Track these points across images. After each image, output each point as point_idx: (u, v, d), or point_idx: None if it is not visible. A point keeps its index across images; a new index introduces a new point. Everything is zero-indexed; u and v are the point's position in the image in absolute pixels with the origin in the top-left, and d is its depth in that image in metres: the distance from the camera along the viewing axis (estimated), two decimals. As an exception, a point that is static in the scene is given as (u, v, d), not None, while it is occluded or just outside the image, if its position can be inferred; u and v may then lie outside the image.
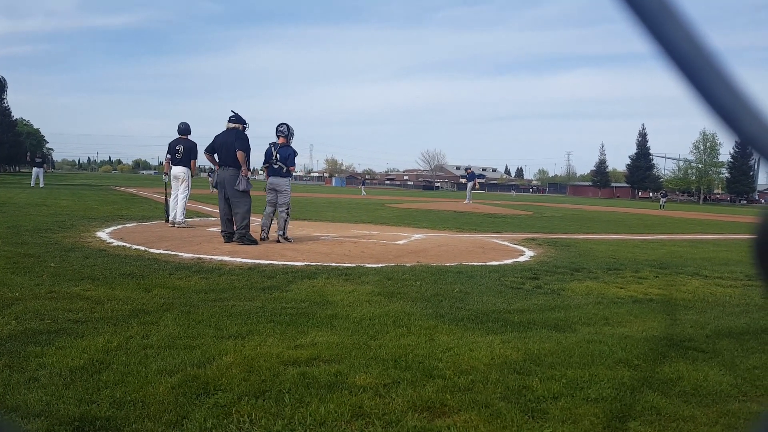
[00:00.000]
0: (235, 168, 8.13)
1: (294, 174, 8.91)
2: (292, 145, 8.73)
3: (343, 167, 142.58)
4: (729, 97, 0.33)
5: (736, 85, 0.33)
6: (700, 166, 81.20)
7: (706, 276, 7.18)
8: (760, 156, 0.33)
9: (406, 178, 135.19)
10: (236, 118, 8.42)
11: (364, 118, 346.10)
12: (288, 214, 8.52)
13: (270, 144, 8.53)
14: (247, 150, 8.22)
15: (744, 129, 0.33)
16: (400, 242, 9.36)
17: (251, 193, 8.31)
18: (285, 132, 8.55)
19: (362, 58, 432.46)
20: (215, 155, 8.34)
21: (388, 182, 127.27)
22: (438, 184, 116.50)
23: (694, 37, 0.33)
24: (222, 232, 8.30)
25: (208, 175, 38.28)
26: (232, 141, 8.16)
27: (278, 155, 8.40)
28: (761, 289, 6.24)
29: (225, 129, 8.39)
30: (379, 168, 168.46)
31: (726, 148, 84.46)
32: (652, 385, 3.08)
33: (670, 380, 3.17)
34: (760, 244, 0.32)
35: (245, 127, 8.44)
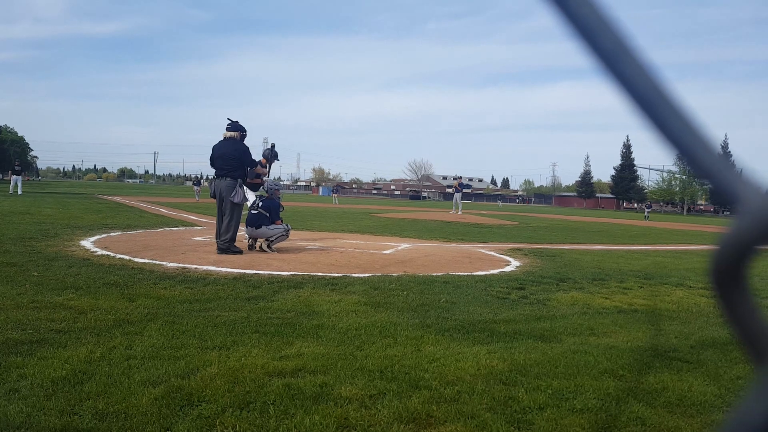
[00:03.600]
0: (232, 179, 8.11)
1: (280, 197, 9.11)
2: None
3: (331, 176, 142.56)
4: (683, 131, 0.34)
5: (689, 118, 0.34)
6: (684, 177, 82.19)
7: (691, 286, 7.26)
8: (717, 189, 0.34)
9: (393, 187, 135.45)
10: (234, 126, 8.34)
11: (352, 127, 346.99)
12: (285, 236, 8.56)
13: (257, 196, 8.77)
14: (254, 164, 8.42)
15: (698, 161, 0.34)
16: (387, 252, 9.36)
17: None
18: (272, 190, 8.81)
19: (351, 69, 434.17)
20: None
21: (375, 191, 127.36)
22: (425, 194, 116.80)
23: (647, 71, 0.34)
24: (216, 240, 8.26)
25: (193, 184, 38.03)
26: (231, 152, 8.16)
27: (260, 203, 8.52)
28: (712, 299, 6.32)
29: (222, 138, 8.33)
30: (366, 177, 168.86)
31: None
32: (637, 396, 3.10)
33: (655, 390, 3.19)
34: (720, 258, 0.33)
35: (244, 135, 8.40)
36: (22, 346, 3.37)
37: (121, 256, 7.23)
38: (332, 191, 53.75)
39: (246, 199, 8.26)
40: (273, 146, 10.01)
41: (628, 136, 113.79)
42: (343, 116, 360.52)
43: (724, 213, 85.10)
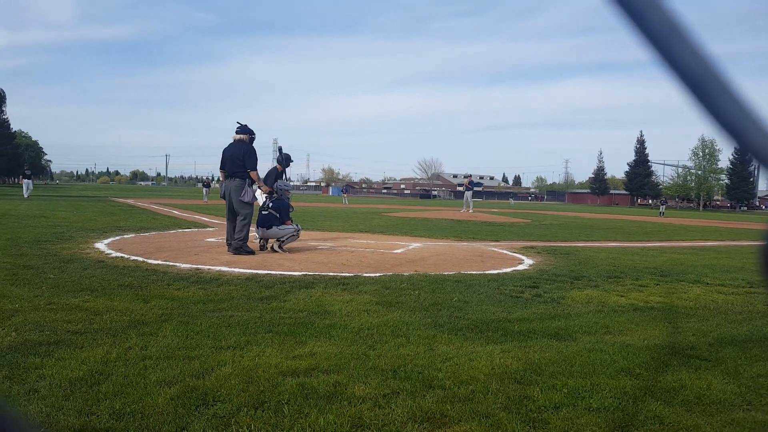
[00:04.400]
0: (241, 179, 8.22)
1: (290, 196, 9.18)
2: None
3: (340, 176, 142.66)
4: (736, 111, 0.33)
5: (742, 98, 0.33)
6: (699, 172, 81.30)
7: (708, 283, 7.17)
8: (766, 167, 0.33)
9: (402, 186, 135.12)
10: (243, 129, 8.50)
11: (361, 127, 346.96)
12: (295, 236, 8.56)
13: (266, 196, 8.79)
14: (255, 167, 8.42)
15: (750, 141, 0.33)
16: (398, 251, 9.35)
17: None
18: (281, 191, 8.81)
19: (358, 68, 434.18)
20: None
21: (384, 191, 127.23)
22: (435, 193, 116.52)
23: (699, 52, 0.33)
24: (228, 241, 8.34)
25: (203, 185, 38.41)
26: (239, 153, 8.26)
27: (270, 204, 8.57)
28: (765, 296, 6.23)
29: (232, 141, 8.46)
30: (376, 177, 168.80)
31: (725, 155, 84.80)
32: (655, 394, 3.06)
33: (673, 389, 3.16)
34: None
35: (252, 138, 8.52)
36: (40, 347, 3.40)
37: (135, 257, 7.28)
38: (342, 191, 53.99)
39: (255, 199, 8.32)
40: (280, 149, 10.03)
41: (641, 132, 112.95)
42: (351, 116, 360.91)
43: (741, 208, 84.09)
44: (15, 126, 77.91)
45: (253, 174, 8.26)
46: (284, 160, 9.87)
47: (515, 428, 2.55)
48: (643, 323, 4.77)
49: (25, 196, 27.42)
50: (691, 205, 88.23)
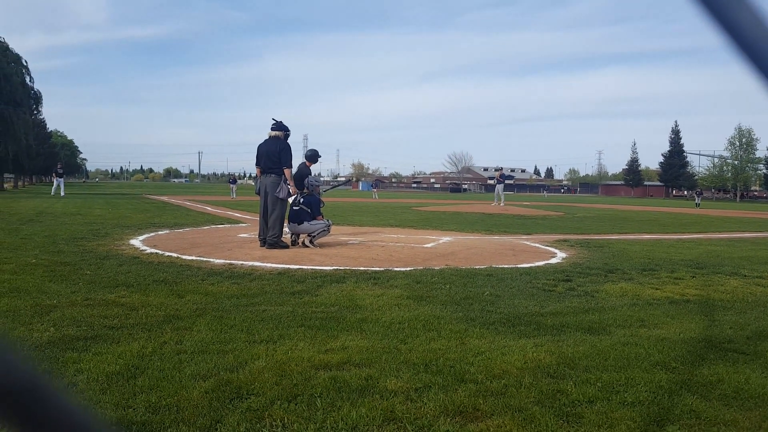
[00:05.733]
0: (276, 175, 8.32)
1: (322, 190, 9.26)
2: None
3: (370, 171, 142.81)
4: None
5: None
6: (736, 162, 78.76)
7: (746, 275, 6.97)
8: None
9: (432, 180, 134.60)
10: (278, 126, 8.59)
11: (390, 122, 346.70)
12: (326, 231, 8.60)
13: (297, 193, 8.79)
14: (291, 164, 8.48)
15: None
16: (428, 245, 9.33)
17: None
18: (312, 186, 8.83)
19: (388, 63, 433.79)
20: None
21: (414, 185, 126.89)
22: (465, 186, 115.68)
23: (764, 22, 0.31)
24: (260, 236, 8.44)
25: (229, 182, 39.06)
26: (275, 150, 8.34)
27: (301, 199, 8.61)
28: None
29: (267, 137, 8.56)
30: (406, 171, 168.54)
31: (763, 143, 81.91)
32: (691, 388, 2.99)
33: (710, 383, 3.08)
34: None
35: (287, 135, 8.60)
36: (78, 342, 3.50)
37: (170, 253, 7.42)
38: (372, 186, 54.19)
39: (290, 195, 8.41)
40: (309, 151, 10.04)
41: (676, 122, 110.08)
42: (381, 111, 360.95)
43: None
44: (51, 126, 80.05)
45: (287, 172, 8.36)
46: (312, 157, 9.92)
47: (548, 422, 2.53)
48: (679, 316, 4.66)
49: (53, 194, 27.97)
50: (728, 195, 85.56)
